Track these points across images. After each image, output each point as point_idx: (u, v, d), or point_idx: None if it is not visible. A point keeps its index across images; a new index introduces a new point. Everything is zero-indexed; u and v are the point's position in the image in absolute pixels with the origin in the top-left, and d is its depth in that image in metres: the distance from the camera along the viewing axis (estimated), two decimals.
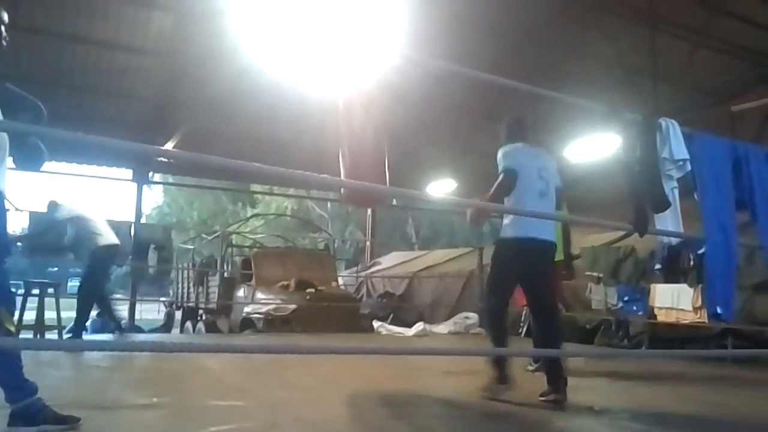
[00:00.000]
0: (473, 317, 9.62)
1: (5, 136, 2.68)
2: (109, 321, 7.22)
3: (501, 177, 3.80)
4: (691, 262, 6.44)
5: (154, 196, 34.51)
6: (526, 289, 4.05)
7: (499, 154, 3.92)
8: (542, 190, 3.83)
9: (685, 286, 6.45)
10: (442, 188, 13.70)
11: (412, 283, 11.94)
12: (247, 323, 9.36)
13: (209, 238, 14.80)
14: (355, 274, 13.82)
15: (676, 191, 3.14)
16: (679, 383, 5.06)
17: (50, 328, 6.53)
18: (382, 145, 4.00)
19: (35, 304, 6.49)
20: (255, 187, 19.81)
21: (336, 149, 3.96)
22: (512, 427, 3.26)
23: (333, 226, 26.07)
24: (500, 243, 3.97)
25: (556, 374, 3.71)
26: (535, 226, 3.79)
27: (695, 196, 3.21)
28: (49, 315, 6.50)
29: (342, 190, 4.29)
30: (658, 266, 6.93)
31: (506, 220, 3.92)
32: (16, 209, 7.16)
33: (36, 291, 6.43)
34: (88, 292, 6.53)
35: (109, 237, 6.49)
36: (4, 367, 2.64)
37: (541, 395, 3.71)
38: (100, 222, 6.67)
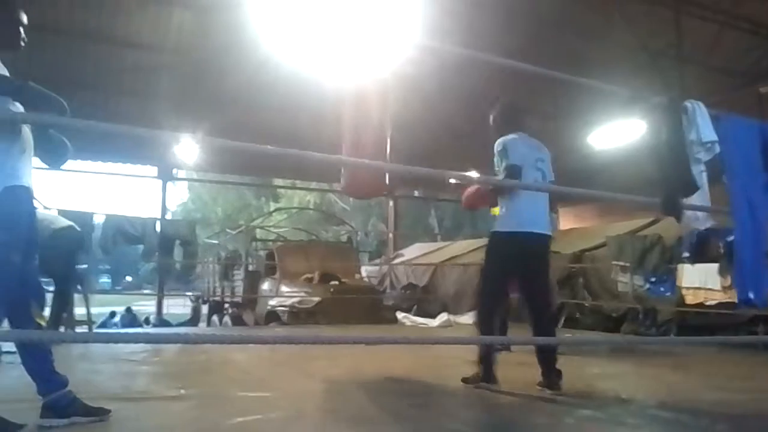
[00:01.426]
0: None
1: (29, 132, 2.72)
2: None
3: (506, 174, 3.71)
4: (721, 250, 6.30)
5: (179, 193, 34.98)
6: (523, 284, 4.04)
7: (499, 146, 3.83)
8: (538, 182, 3.81)
9: (713, 265, 6.34)
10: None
11: (435, 274, 11.92)
12: (273, 316, 9.45)
13: (234, 232, 14.95)
14: (378, 266, 13.84)
15: (704, 174, 3.07)
16: (708, 371, 4.98)
17: (80, 323, 6.67)
18: (385, 136, 4.01)
19: None
20: (277, 182, 19.92)
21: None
22: (538, 415, 3.23)
23: (355, 219, 26.10)
24: (497, 236, 3.88)
25: (548, 367, 3.72)
26: (534, 220, 3.76)
27: (723, 179, 3.14)
28: (79, 310, 6.63)
29: (342, 180, 4.32)
30: (686, 254, 6.81)
31: (502, 212, 3.87)
32: (45, 207, 7.28)
33: None
34: (62, 286, 5.98)
35: (56, 222, 5.89)
36: (35, 361, 2.70)
37: (539, 384, 3.75)
38: (45, 213, 6.23)
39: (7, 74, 2.63)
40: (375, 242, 24.79)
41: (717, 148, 3.01)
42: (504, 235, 3.82)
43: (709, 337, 6.19)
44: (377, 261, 15.83)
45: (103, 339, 2.48)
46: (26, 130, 2.71)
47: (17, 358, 2.78)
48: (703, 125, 2.91)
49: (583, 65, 9.19)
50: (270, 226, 16.85)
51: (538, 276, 3.94)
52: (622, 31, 9.37)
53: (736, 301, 5.87)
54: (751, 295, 2.88)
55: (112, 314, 14.67)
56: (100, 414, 2.80)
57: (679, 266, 6.88)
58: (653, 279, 7.40)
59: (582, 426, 2.97)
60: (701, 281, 6.49)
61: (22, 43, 2.76)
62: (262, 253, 11.92)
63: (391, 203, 15.60)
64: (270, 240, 14.05)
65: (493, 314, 3.97)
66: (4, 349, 4.57)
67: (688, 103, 2.97)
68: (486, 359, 3.83)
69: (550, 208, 4.12)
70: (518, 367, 4.63)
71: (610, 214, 13.62)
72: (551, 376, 3.68)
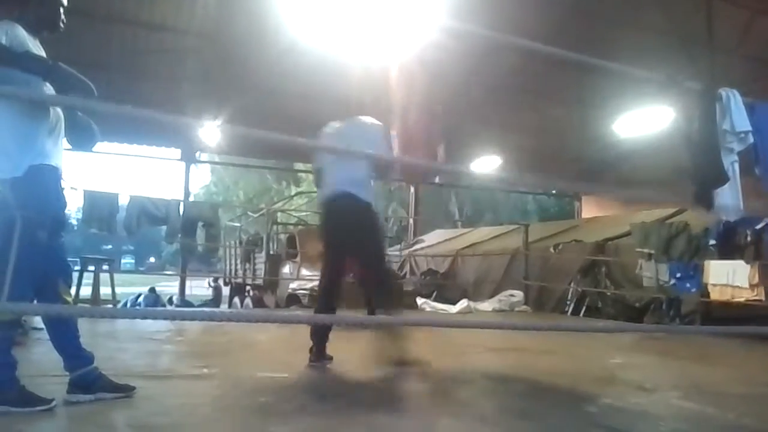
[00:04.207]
0: (518, 295, 9.54)
1: (61, 113, 2.74)
2: None
3: None
4: (748, 238, 6.18)
5: (202, 176, 35.28)
6: (352, 256, 4.08)
7: None
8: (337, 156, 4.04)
9: (741, 262, 6.20)
10: (487, 164, 13.56)
11: (455, 261, 11.88)
12: (293, 299, 9.50)
13: (255, 216, 15.02)
14: (398, 252, 13.84)
15: (737, 165, 2.99)
16: (734, 364, 4.90)
17: (105, 302, 6.78)
18: (433, 119, 4.06)
19: (91, 280, 6.74)
20: (299, 166, 19.96)
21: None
22: (557, 403, 3.21)
23: (376, 204, 26.09)
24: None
25: (319, 340, 3.85)
26: (338, 182, 3.95)
27: (756, 170, 3.06)
28: (104, 290, 6.74)
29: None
30: (712, 242, 6.68)
31: None
32: (71, 188, 7.39)
33: (92, 267, 6.67)
34: None
35: None
36: (63, 337, 2.75)
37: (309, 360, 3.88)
38: None
39: (44, 55, 2.65)
40: (395, 228, 24.77)
41: (750, 138, 2.93)
42: (319, 207, 4.10)
43: (735, 327, 6.06)
44: (397, 246, 15.84)
45: (129, 314, 2.52)
46: (57, 111, 2.73)
47: (45, 335, 2.84)
48: (737, 114, 2.83)
49: (612, 50, 8.99)
50: (291, 210, 16.88)
51: (361, 246, 3.98)
52: (652, 15, 9.18)
53: (763, 299, 5.78)
54: None
55: (139, 296, 14.86)
56: (125, 391, 2.84)
57: (706, 262, 6.75)
58: (679, 275, 7.24)
59: (604, 415, 2.94)
60: (729, 278, 6.36)
61: (62, 25, 2.78)
62: (282, 236, 11.98)
63: (412, 189, 15.57)
64: (291, 224, 14.10)
65: (330, 291, 4.06)
66: (32, 326, 4.67)
67: (722, 91, 2.89)
68: (318, 337, 3.92)
69: (382, 178, 4.48)
70: (540, 354, 4.60)
71: (633, 203, 13.44)
72: (320, 348, 3.84)
